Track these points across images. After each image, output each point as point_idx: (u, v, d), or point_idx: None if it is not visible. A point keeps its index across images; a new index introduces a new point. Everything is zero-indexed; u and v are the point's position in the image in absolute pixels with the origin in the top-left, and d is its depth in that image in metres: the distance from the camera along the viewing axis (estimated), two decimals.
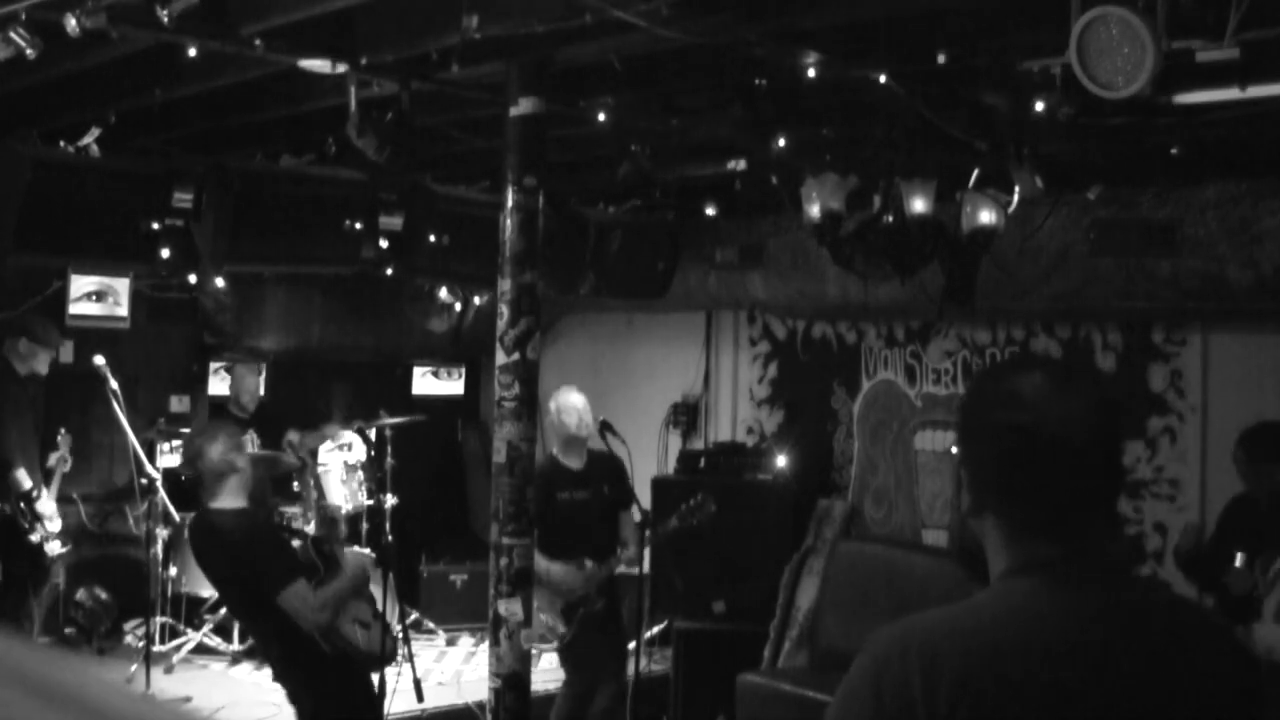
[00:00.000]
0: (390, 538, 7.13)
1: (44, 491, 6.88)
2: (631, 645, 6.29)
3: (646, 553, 6.03)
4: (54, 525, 6.87)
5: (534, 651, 6.53)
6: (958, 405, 1.85)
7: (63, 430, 7.19)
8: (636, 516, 6.11)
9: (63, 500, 7.08)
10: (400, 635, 6.01)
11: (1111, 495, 1.71)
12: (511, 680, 4.67)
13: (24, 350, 6.92)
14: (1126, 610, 1.64)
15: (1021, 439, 1.65)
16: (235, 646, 7.73)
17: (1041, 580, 1.64)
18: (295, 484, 8.13)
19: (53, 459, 7.09)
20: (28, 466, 6.79)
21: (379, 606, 5.03)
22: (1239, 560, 4.95)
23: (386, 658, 4.91)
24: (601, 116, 5.38)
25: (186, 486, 7.81)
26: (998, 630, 1.60)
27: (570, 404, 6.33)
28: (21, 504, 6.72)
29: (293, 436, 8.36)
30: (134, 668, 7.12)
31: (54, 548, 6.86)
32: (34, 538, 6.74)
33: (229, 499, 4.70)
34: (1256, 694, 1.68)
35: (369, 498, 8.22)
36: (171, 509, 7.47)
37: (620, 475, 6.33)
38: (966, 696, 1.53)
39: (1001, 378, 1.78)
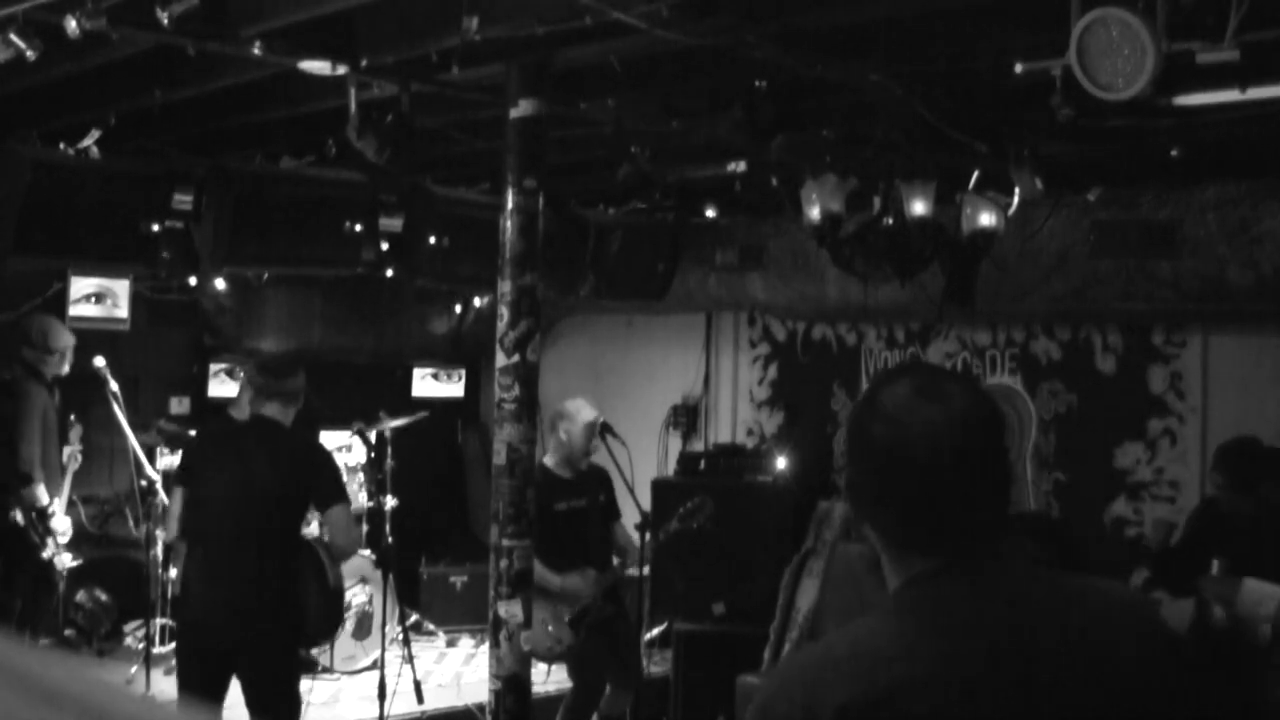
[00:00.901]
0: (390, 539, 7.13)
1: (58, 504, 6.83)
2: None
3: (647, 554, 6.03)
4: (65, 538, 6.82)
5: (546, 666, 6.56)
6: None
7: (72, 417, 7.14)
8: (636, 518, 6.12)
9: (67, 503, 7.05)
10: (400, 637, 6.02)
11: (988, 500, 1.63)
12: (511, 682, 4.67)
13: (32, 358, 6.86)
14: (1019, 610, 1.59)
15: (885, 451, 1.62)
16: None
17: (922, 594, 1.60)
18: None
19: (64, 454, 7.04)
20: (47, 481, 6.72)
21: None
22: (1215, 568, 4.92)
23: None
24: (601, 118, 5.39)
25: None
26: (883, 657, 1.56)
27: (588, 419, 6.31)
28: (35, 518, 6.65)
29: None
30: (134, 669, 7.12)
31: (64, 561, 6.82)
32: (45, 554, 6.69)
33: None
34: (1176, 670, 1.63)
35: (369, 499, 8.22)
36: None
37: (611, 486, 6.37)
38: (850, 714, 1.50)
39: (874, 389, 1.72)
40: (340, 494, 5.10)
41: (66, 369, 6.94)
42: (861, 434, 1.66)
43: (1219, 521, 5.47)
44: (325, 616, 5.40)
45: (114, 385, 7.00)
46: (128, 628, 8.01)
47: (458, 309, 9.72)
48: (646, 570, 6.18)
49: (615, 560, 6.31)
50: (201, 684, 5.03)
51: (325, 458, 5.28)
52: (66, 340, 6.91)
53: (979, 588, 1.60)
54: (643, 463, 6.82)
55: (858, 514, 1.69)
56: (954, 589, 1.60)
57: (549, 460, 6.32)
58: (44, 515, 6.66)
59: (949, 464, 1.59)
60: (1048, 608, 1.62)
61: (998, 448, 1.66)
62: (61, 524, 6.78)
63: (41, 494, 6.63)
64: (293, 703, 5.15)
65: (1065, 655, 1.57)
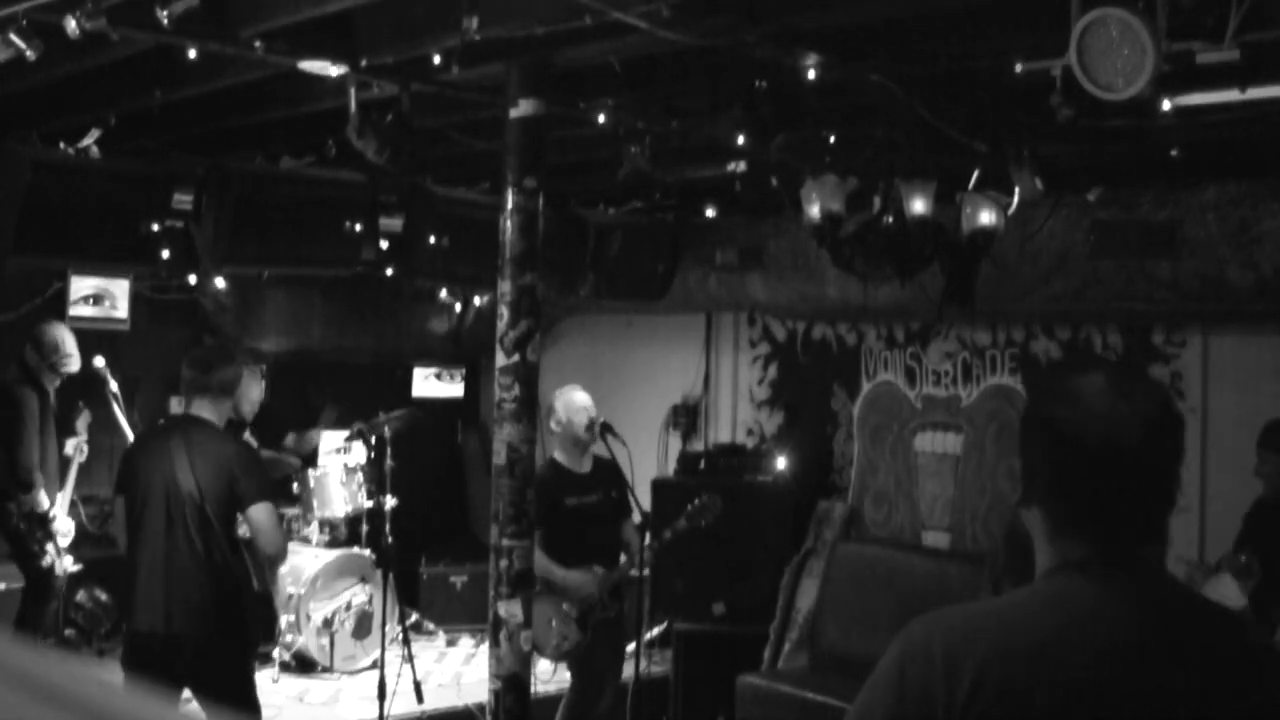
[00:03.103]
0: (390, 539, 7.13)
1: (59, 502, 6.81)
2: (631, 647, 6.30)
3: (648, 553, 6.03)
4: (66, 541, 6.80)
5: (551, 665, 6.55)
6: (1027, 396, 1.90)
7: (80, 403, 7.12)
8: (637, 518, 6.12)
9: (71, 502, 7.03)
10: (400, 637, 6.00)
11: (1156, 502, 1.72)
12: (511, 682, 4.67)
13: (34, 363, 6.85)
14: (1151, 612, 1.66)
15: (1071, 437, 1.68)
16: None
17: (1071, 580, 1.68)
18: (295, 486, 8.14)
19: (69, 446, 7.03)
20: (47, 486, 6.71)
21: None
22: (1243, 556, 5.00)
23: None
24: (601, 118, 5.39)
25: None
26: (1022, 628, 1.64)
27: (580, 404, 6.25)
28: (34, 524, 6.63)
29: (290, 440, 8.38)
30: None
31: (65, 565, 6.81)
32: (44, 563, 6.68)
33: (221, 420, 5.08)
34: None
35: (369, 499, 8.23)
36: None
37: (622, 480, 6.34)
38: (983, 689, 1.57)
39: (1065, 375, 1.81)
40: (260, 493, 4.88)
41: (58, 384, 6.93)
42: (1051, 418, 1.72)
43: (1260, 516, 5.52)
44: (255, 620, 5.27)
45: (114, 385, 7.00)
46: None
47: (458, 309, 9.72)
48: (647, 571, 6.17)
49: (623, 558, 6.29)
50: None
51: (244, 455, 5.07)
52: (72, 366, 6.90)
53: (1130, 581, 1.67)
54: (643, 463, 6.81)
55: (1026, 492, 1.75)
56: (1108, 577, 1.66)
57: (558, 455, 6.31)
58: (44, 521, 6.64)
59: (1133, 462, 1.67)
60: (1182, 613, 1.69)
61: (1177, 453, 1.74)
62: (64, 525, 6.77)
63: (41, 499, 6.62)
64: (248, 707, 4.98)
65: (1194, 662, 1.63)
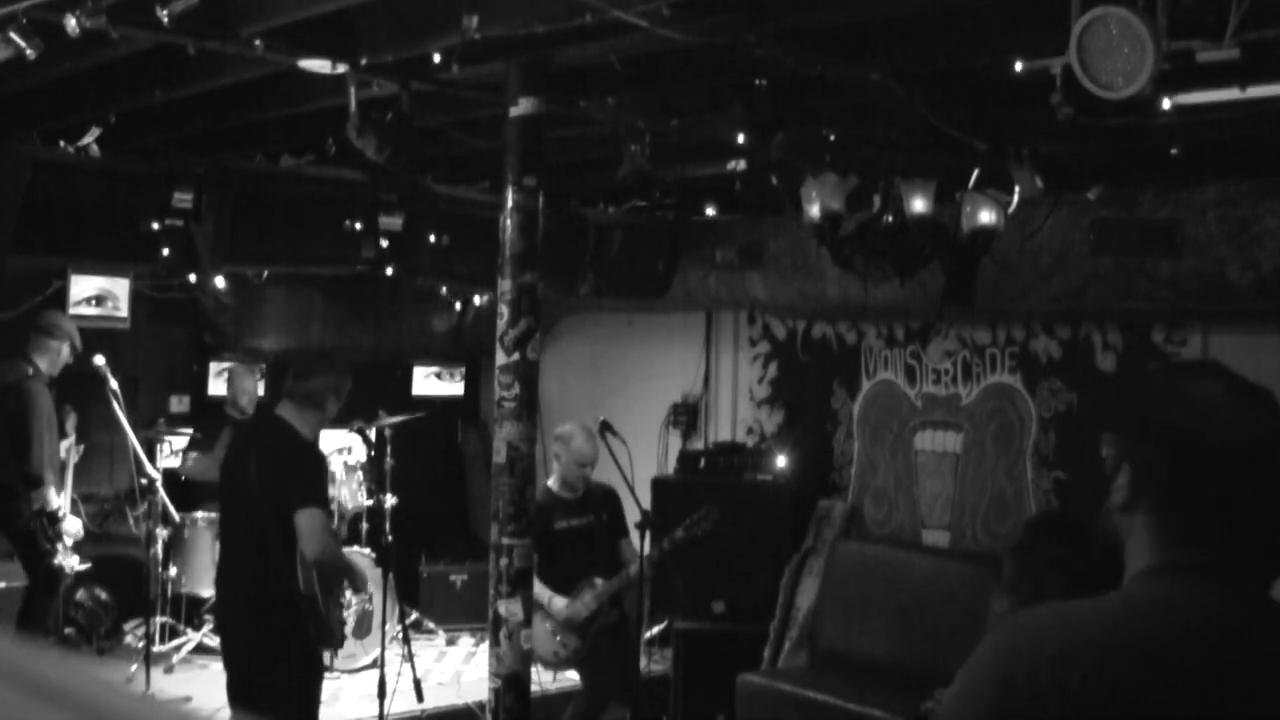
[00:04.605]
0: (390, 538, 7.13)
1: (66, 504, 6.82)
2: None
3: (648, 552, 6.04)
4: (74, 539, 6.81)
5: (554, 674, 6.58)
6: (1128, 402, 1.83)
7: (66, 406, 7.12)
8: (636, 517, 6.13)
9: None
10: (400, 636, 6.00)
11: (1269, 512, 1.66)
12: (511, 680, 4.67)
13: (46, 348, 6.86)
14: (1259, 621, 1.62)
15: (1195, 443, 1.64)
16: None
17: (1178, 582, 1.63)
18: None
19: (63, 448, 7.03)
20: (56, 483, 6.71)
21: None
22: None
23: (331, 639, 5.09)
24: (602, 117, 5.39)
25: (185, 486, 7.84)
26: (1130, 628, 1.59)
27: (588, 450, 6.37)
28: (45, 522, 6.63)
29: None
30: (134, 668, 7.12)
31: (72, 564, 6.81)
32: (56, 561, 6.68)
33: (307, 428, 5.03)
34: None
35: (369, 498, 8.23)
36: (171, 509, 7.47)
37: (616, 505, 6.41)
38: (1094, 686, 1.53)
39: (1182, 380, 1.76)
40: (308, 498, 4.79)
41: (56, 369, 6.96)
42: (1171, 422, 1.67)
43: None
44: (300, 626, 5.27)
45: (114, 384, 7.00)
46: (127, 626, 8.02)
47: (458, 307, 9.72)
48: (647, 569, 6.19)
49: (624, 571, 6.36)
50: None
51: (301, 459, 4.95)
52: (79, 342, 6.95)
53: (1236, 588, 1.62)
54: (643, 461, 6.82)
55: (1132, 498, 1.68)
56: (1216, 583, 1.62)
57: (551, 482, 6.43)
58: (54, 519, 6.65)
59: (1261, 471, 1.62)
60: (1266, 640, 1.63)
61: None
62: (72, 525, 6.78)
63: (52, 497, 6.62)
64: (278, 714, 4.93)
65: (1257, 695, 1.58)
